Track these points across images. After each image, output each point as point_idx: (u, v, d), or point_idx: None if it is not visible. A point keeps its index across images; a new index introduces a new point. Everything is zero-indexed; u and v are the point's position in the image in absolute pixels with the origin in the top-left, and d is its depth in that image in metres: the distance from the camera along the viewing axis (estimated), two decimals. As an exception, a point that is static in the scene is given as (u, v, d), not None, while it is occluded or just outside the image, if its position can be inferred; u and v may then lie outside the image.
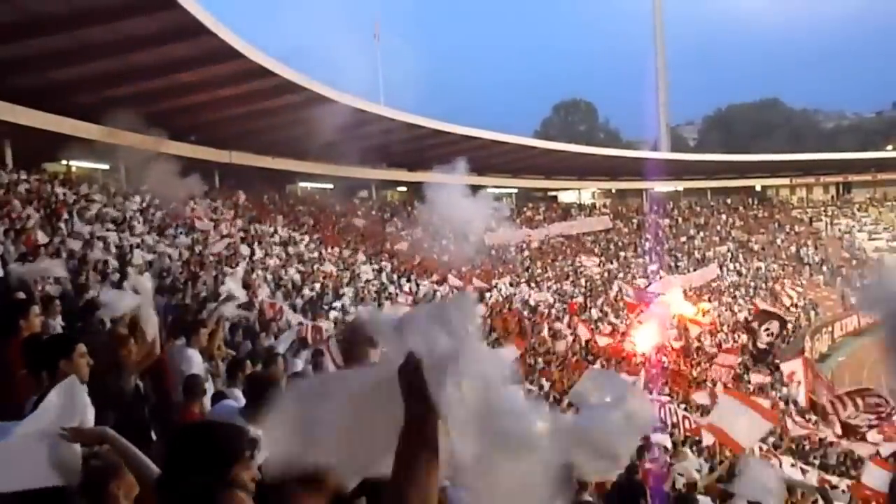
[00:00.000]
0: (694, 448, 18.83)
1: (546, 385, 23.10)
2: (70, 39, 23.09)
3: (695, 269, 48.72)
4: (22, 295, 8.08)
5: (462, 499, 1.51)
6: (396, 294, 26.20)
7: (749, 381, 31.82)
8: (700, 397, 25.43)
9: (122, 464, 2.94)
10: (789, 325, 39.72)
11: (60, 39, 22.92)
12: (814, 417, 26.51)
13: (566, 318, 33.31)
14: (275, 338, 12.27)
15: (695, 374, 30.38)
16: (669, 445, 15.84)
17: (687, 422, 22.60)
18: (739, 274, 51.14)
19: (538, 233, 50.01)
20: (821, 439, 23.83)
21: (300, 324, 14.85)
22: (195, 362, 7.52)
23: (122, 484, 2.90)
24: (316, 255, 28.32)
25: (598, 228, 53.94)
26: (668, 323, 33.97)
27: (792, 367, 28.10)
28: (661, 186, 61.20)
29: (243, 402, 5.62)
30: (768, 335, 36.68)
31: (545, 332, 30.16)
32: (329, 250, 30.06)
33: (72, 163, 30.27)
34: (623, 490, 6.28)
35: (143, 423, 5.60)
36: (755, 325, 37.65)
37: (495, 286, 35.00)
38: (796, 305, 45.73)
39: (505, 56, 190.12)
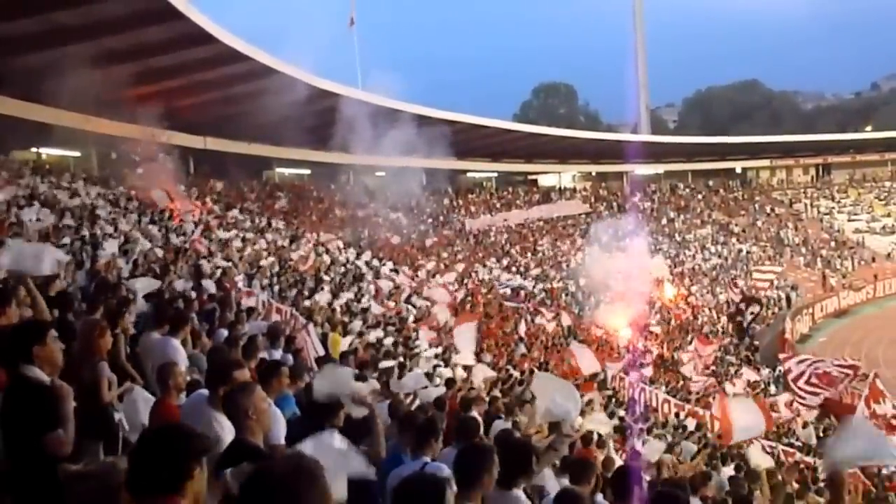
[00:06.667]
0: (681, 430, 18.82)
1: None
2: (39, 23, 22.44)
3: (676, 254, 48.91)
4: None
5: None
6: (377, 277, 25.84)
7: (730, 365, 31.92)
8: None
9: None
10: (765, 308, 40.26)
11: (29, 23, 22.28)
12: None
13: (550, 303, 33.19)
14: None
15: (675, 357, 30.29)
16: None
17: (667, 405, 22.64)
18: (720, 256, 51.24)
19: (517, 216, 49.99)
20: (805, 422, 23.75)
21: (278, 310, 14.60)
22: (182, 354, 7.20)
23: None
24: (293, 241, 27.93)
25: (573, 212, 53.90)
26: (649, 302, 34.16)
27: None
28: (642, 169, 61.23)
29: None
30: (752, 315, 37.79)
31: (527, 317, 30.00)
32: (307, 236, 29.66)
33: (42, 150, 29.77)
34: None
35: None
36: (742, 306, 38.33)
37: (475, 270, 34.87)
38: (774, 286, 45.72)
39: (483, 38, 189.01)
